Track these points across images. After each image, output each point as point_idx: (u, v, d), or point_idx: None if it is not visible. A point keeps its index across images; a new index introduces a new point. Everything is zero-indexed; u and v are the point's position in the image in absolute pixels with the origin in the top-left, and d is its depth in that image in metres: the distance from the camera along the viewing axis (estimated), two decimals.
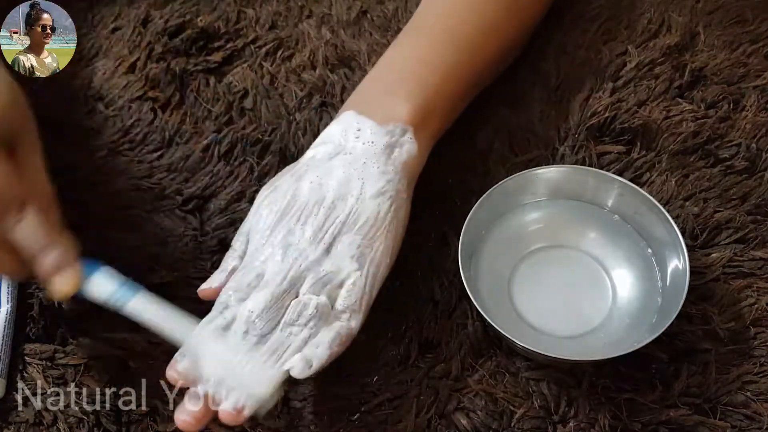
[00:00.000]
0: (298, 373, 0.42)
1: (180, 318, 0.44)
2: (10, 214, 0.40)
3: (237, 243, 0.47)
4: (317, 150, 0.49)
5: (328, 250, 0.45)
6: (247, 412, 0.41)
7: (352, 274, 0.45)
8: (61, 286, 0.42)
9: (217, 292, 0.46)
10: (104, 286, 0.43)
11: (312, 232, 0.45)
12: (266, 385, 0.41)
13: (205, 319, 0.44)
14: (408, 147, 0.49)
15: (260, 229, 0.46)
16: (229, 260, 0.47)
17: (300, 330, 0.43)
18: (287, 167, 0.50)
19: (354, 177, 0.47)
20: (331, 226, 0.46)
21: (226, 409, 0.41)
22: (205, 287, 0.46)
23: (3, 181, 0.40)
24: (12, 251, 0.41)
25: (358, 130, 0.49)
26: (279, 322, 0.43)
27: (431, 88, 0.51)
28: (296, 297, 0.44)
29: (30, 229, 0.41)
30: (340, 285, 0.45)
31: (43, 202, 0.42)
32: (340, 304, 0.44)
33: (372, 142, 0.48)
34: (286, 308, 0.44)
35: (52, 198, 0.44)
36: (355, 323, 0.44)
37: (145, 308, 0.43)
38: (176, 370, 0.42)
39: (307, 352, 0.42)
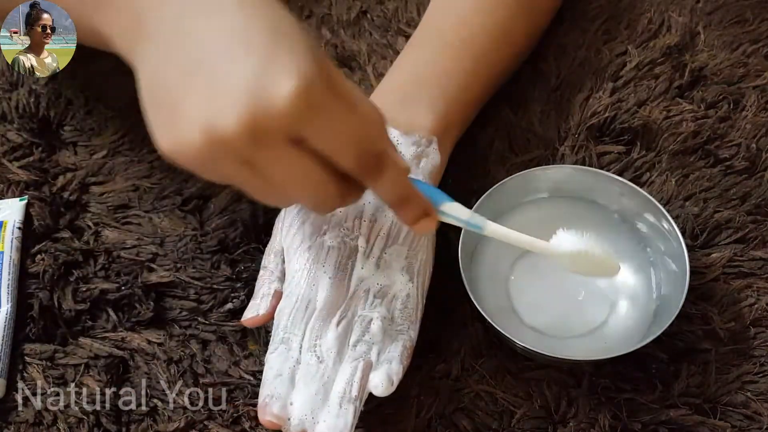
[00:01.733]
0: (382, 392, 0.41)
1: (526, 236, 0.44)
2: (372, 169, 0.36)
3: (271, 264, 0.47)
4: None
5: (377, 264, 0.45)
6: None
7: (406, 286, 0.45)
8: (426, 228, 0.40)
9: (266, 318, 0.45)
10: (459, 212, 0.42)
11: (360, 247, 0.45)
12: (352, 412, 0.41)
13: (270, 356, 0.43)
14: (433, 157, 0.49)
15: (298, 249, 0.46)
16: (268, 283, 0.46)
17: (368, 347, 0.43)
18: None
19: None
20: (376, 239, 0.45)
21: None
22: (252, 316, 0.45)
23: (362, 130, 0.35)
24: (362, 187, 0.38)
25: None
26: (348, 344, 0.43)
27: (451, 98, 0.51)
28: (357, 313, 0.44)
29: (394, 183, 0.38)
30: (393, 297, 0.45)
31: (384, 130, 0.38)
32: (398, 316, 0.44)
33: (400, 153, 0.48)
34: (351, 329, 0.43)
35: (380, 113, 0.38)
36: (414, 333, 0.44)
37: (500, 230, 0.43)
38: (272, 414, 0.41)
39: (386, 369, 0.42)
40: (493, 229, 0.43)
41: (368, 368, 0.42)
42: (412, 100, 0.51)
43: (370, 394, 0.42)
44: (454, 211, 0.42)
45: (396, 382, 0.42)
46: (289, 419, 0.41)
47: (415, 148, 0.48)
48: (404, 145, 0.48)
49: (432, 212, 0.41)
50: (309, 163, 0.34)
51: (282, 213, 0.48)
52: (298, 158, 0.34)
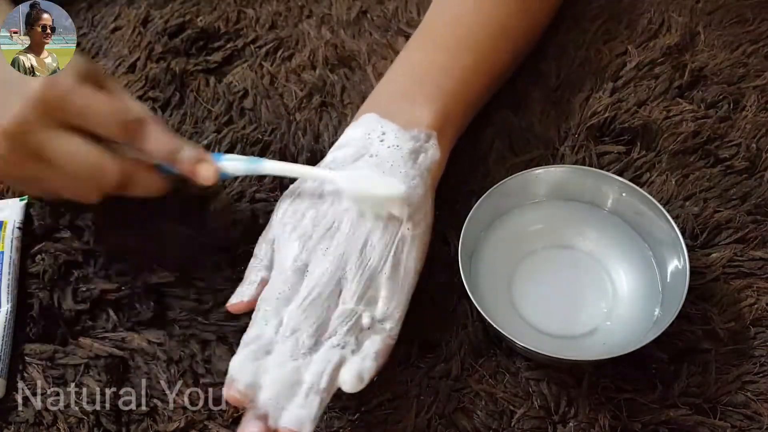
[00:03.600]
0: (350, 388, 0.41)
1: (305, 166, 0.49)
2: (135, 132, 0.45)
3: (261, 252, 0.47)
4: (339, 153, 0.49)
5: (364, 257, 0.45)
6: (306, 430, 0.40)
7: (389, 283, 0.45)
8: (207, 173, 0.47)
9: (249, 305, 0.45)
10: (237, 162, 0.48)
11: (351, 237, 0.45)
12: (318, 404, 0.41)
13: (246, 337, 0.44)
14: (432, 153, 0.49)
15: (288, 239, 0.46)
16: (256, 271, 0.46)
17: (344, 341, 0.43)
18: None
19: None
20: (368, 230, 0.45)
21: (287, 426, 0.40)
22: (236, 301, 0.46)
23: (114, 105, 0.44)
24: (151, 168, 0.47)
25: (383, 133, 0.49)
26: (323, 334, 0.43)
27: (450, 94, 0.52)
28: (335, 307, 0.44)
29: (159, 139, 0.46)
30: (377, 293, 0.45)
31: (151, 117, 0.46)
32: (379, 313, 0.44)
33: (397, 146, 0.48)
34: (328, 320, 0.43)
35: (150, 113, 0.47)
36: (395, 331, 0.44)
37: (277, 164, 0.48)
38: (237, 390, 0.41)
39: (357, 366, 0.42)
40: (271, 166, 0.48)
41: (341, 362, 0.42)
42: (411, 96, 0.51)
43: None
44: (230, 163, 0.48)
45: (367, 379, 0.42)
46: (252, 401, 0.41)
47: (414, 143, 0.48)
48: (403, 139, 0.48)
49: (206, 157, 0.47)
50: (79, 142, 0.43)
51: (279, 203, 0.49)
52: (67, 139, 0.43)
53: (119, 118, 0.44)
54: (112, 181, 0.45)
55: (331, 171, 0.47)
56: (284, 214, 0.47)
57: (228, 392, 0.42)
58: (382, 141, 0.48)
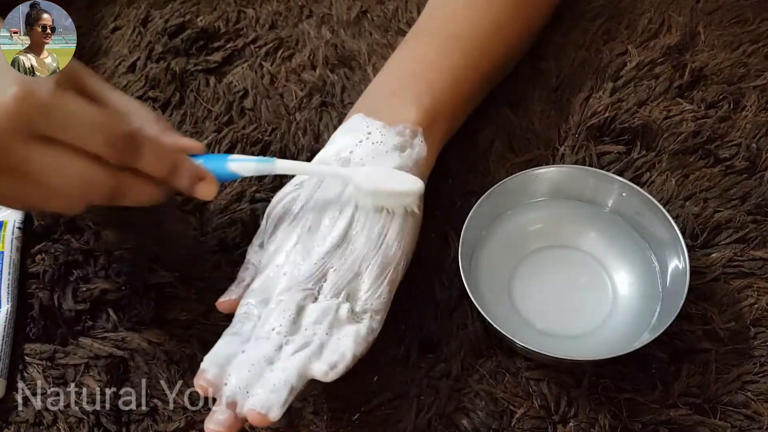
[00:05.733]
0: (322, 376, 0.41)
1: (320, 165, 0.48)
2: (125, 149, 0.40)
3: (252, 255, 0.47)
4: (326, 152, 0.49)
5: (344, 253, 0.45)
6: (274, 414, 0.40)
7: (371, 275, 0.45)
8: (206, 192, 0.44)
9: (236, 304, 0.45)
10: (247, 162, 0.46)
11: (329, 235, 0.45)
12: (288, 390, 0.41)
13: (227, 330, 0.44)
14: (418, 149, 0.49)
15: (275, 239, 0.47)
16: (245, 273, 0.47)
17: (323, 332, 0.43)
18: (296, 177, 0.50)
19: None
20: (347, 229, 0.46)
21: (253, 408, 0.40)
22: (224, 300, 0.46)
23: (100, 117, 0.39)
24: (146, 176, 0.42)
25: (369, 133, 0.49)
26: (301, 325, 0.43)
27: (439, 91, 0.52)
28: (315, 300, 0.44)
29: (152, 158, 0.42)
30: (359, 287, 0.45)
31: (148, 120, 0.43)
32: (360, 305, 0.44)
33: (381, 143, 0.48)
34: (307, 311, 0.44)
35: (148, 109, 0.44)
36: (375, 324, 0.44)
37: (290, 164, 0.47)
38: (205, 379, 0.42)
39: (331, 356, 0.42)
40: (283, 165, 0.46)
41: (315, 351, 0.42)
42: (398, 94, 0.51)
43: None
44: (241, 164, 0.45)
45: (341, 370, 0.42)
46: (220, 390, 0.41)
47: (399, 138, 0.48)
48: (387, 135, 0.48)
49: (206, 176, 0.44)
50: (62, 154, 0.39)
51: (273, 202, 0.49)
52: (48, 152, 0.38)
53: (106, 133, 0.39)
54: (100, 195, 0.41)
55: (346, 168, 0.47)
56: (273, 216, 0.48)
57: (196, 382, 0.42)
58: (367, 139, 0.48)
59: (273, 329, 0.43)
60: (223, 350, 0.43)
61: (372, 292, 0.44)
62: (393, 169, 0.47)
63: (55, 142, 0.38)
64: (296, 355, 0.42)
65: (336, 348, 0.42)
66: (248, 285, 0.46)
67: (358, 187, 0.46)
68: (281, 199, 0.48)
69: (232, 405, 0.41)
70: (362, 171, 0.46)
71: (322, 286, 0.44)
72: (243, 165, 0.46)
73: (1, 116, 0.37)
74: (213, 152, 0.57)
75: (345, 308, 0.44)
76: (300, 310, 0.44)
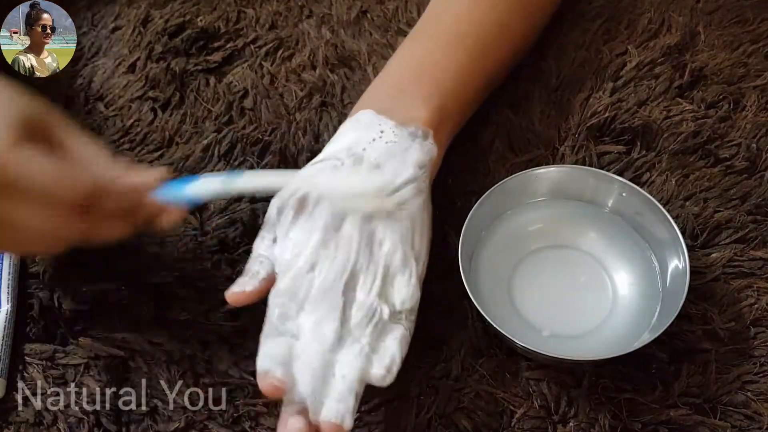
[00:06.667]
0: (380, 380, 0.42)
1: (286, 172, 0.47)
2: (88, 203, 0.41)
3: (264, 249, 0.46)
4: (335, 146, 0.48)
5: (374, 251, 0.45)
6: (348, 423, 0.40)
7: (403, 274, 0.44)
8: (170, 221, 0.45)
9: (250, 298, 0.44)
10: (209, 184, 0.45)
11: (358, 232, 0.45)
12: (354, 397, 0.41)
13: (268, 330, 0.43)
14: (429, 149, 0.49)
15: (293, 236, 0.45)
16: (260, 266, 0.45)
17: (370, 335, 0.43)
18: (305, 168, 0.49)
19: None
20: (374, 226, 0.45)
21: (328, 419, 0.40)
22: (238, 290, 0.44)
23: (59, 174, 0.40)
24: (119, 217, 0.44)
25: (381, 131, 0.48)
26: (348, 328, 0.43)
27: (446, 91, 0.52)
28: (351, 302, 0.44)
29: (112, 199, 0.43)
30: (392, 287, 0.44)
31: (105, 164, 0.44)
32: (397, 304, 0.44)
33: (395, 143, 0.48)
34: (348, 315, 0.43)
35: (105, 152, 0.44)
36: (412, 324, 0.44)
37: (255, 178, 0.46)
38: (276, 378, 0.40)
39: (384, 359, 0.42)
40: (247, 180, 0.46)
41: (368, 355, 0.42)
42: (407, 93, 0.51)
43: (369, 386, 0.42)
44: (203, 188, 0.45)
45: (395, 372, 0.42)
46: (289, 392, 0.41)
47: (411, 140, 0.48)
48: (401, 135, 0.48)
49: (166, 209, 0.45)
50: (27, 207, 0.39)
51: (275, 200, 0.47)
52: (12, 205, 0.39)
53: (65, 188, 0.40)
54: (71, 239, 0.42)
55: (304, 178, 0.46)
56: (286, 210, 0.46)
57: (264, 383, 0.41)
58: (380, 137, 0.48)
59: (321, 334, 0.42)
60: (278, 351, 0.42)
61: (406, 292, 0.44)
62: (348, 173, 0.46)
63: (14, 193, 0.39)
64: (355, 362, 0.42)
65: (386, 351, 0.42)
66: (264, 279, 0.45)
67: (322, 196, 0.45)
68: (294, 192, 0.47)
69: (304, 411, 0.41)
70: (322, 181, 0.46)
71: (357, 289, 0.44)
72: (202, 186, 0.45)
73: None
74: (213, 152, 0.57)
75: (386, 310, 0.43)
76: (341, 311, 0.43)
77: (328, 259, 0.44)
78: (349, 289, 0.44)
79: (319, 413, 0.40)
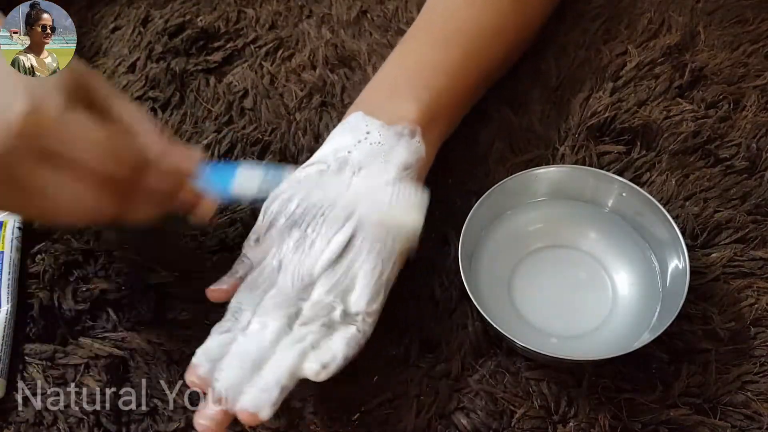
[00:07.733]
0: (314, 375, 0.42)
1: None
2: (132, 173, 0.40)
3: (248, 249, 0.47)
4: (325, 149, 0.49)
5: (340, 253, 0.45)
6: (264, 414, 0.40)
7: (365, 279, 0.44)
8: (203, 214, 0.45)
9: (227, 293, 0.46)
10: (250, 181, 0.45)
11: (325, 235, 0.45)
12: (279, 390, 0.41)
13: (218, 325, 0.44)
14: (417, 148, 0.49)
15: (271, 237, 0.46)
16: (240, 266, 0.47)
17: (315, 332, 0.43)
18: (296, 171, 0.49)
19: None
20: (343, 229, 0.45)
21: (245, 408, 0.40)
22: (215, 288, 0.46)
23: (108, 140, 0.39)
24: (148, 197, 0.42)
25: (368, 133, 0.49)
26: (293, 325, 0.43)
27: (437, 90, 0.52)
28: (308, 299, 0.44)
29: (156, 176, 0.42)
30: (352, 289, 0.44)
31: (152, 135, 0.42)
32: (353, 306, 0.44)
33: (380, 143, 0.48)
34: (300, 311, 0.44)
35: (151, 120, 0.43)
36: (368, 327, 0.44)
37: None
38: (197, 374, 0.42)
39: (323, 355, 0.42)
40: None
41: (307, 351, 0.42)
42: (398, 92, 0.51)
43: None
44: (246, 187, 0.45)
45: (332, 370, 0.42)
46: (211, 386, 0.41)
47: (398, 138, 0.48)
48: (386, 136, 0.48)
49: (202, 198, 0.45)
50: (66, 175, 0.38)
51: (266, 204, 0.48)
52: (52, 171, 0.37)
53: (112, 157, 0.39)
54: (102, 216, 0.41)
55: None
56: (271, 214, 0.47)
57: (188, 377, 0.42)
58: (366, 139, 0.48)
59: (266, 327, 0.43)
60: (215, 345, 0.43)
61: (366, 296, 0.44)
62: (399, 201, 0.46)
63: (60, 161, 0.38)
64: (287, 354, 0.42)
65: (328, 348, 0.42)
66: (241, 278, 0.46)
67: (363, 215, 0.45)
68: (279, 194, 0.47)
69: (222, 401, 0.41)
70: (368, 203, 0.45)
71: (317, 287, 0.44)
72: (246, 185, 0.45)
73: (7, 133, 0.36)
74: (213, 152, 0.57)
75: (339, 310, 0.44)
76: (293, 310, 0.44)
77: (295, 261, 0.45)
78: (308, 287, 0.44)
79: (237, 402, 0.41)
